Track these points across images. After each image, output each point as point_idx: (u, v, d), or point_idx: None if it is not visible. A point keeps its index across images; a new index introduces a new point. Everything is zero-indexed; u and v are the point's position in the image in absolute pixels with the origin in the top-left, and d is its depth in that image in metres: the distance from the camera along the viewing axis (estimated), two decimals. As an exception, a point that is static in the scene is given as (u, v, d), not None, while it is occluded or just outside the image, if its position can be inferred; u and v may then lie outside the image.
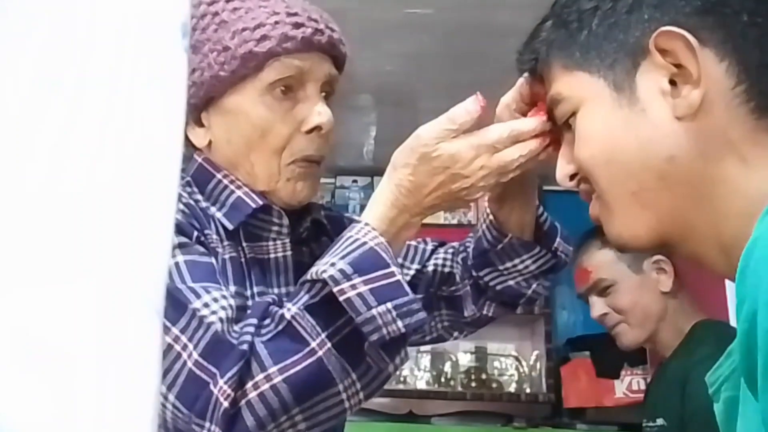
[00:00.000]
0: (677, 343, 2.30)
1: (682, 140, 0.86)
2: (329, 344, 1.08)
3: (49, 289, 0.44)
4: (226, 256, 1.25)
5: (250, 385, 1.05)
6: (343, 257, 1.10)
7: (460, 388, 4.07)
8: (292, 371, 1.06)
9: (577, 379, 3.83)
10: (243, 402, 1.05)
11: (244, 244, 1.29)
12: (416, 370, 4.14)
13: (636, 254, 2.35)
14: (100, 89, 0.48)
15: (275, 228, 1.30)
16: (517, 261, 1.36)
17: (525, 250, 1.36)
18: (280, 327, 1.09)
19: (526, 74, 1.11)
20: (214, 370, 1.06)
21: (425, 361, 4.15)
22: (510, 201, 1.32)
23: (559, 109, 0.99)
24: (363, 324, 1.07)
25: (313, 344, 1.07)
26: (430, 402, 3.90)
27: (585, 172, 0.97)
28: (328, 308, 1.09)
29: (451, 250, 1.51)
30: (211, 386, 1.05)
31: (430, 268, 1.50)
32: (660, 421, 2.25)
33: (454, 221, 4.37)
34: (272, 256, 1.31)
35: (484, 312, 1.46)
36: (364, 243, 1.11)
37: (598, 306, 2.48)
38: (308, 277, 1.12)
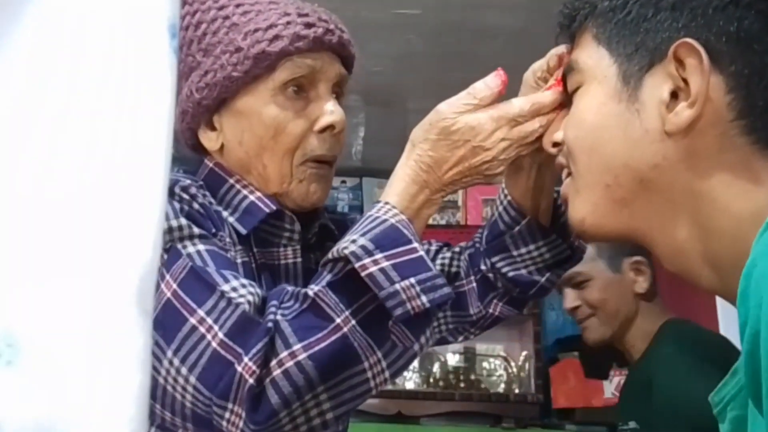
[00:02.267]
0: (645, 345, 2.32)
1: (669, 152, 0.86)
2: (354, 321, 1.06)
3: (38, 289, 0.44)
4: (239, 261, 1.24)
5: (274, 362, 1.04)
6: (363, 234, 1.09)
7: (449, 389, 4.07)
8: (317, 348, 1.04)
9: (565, 379, 3.84)
10: (267, 380, 1.03)
11: (255, 250, 1.28)
12: (405, 371, 4.14)
13: (616, 253, 2.38)
14: (89, 90, 0.47)
15: (287, 234, 1.30)
16: (532, 247, 1.35)
17: (542, 236, 1.34)
18: (305, 305, 1.07)
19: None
20: (239, 350, 1.04)
21: (414, 361, 4.15)
22: (526, 182, 1.31)
23: (570, 78, 0.99)
24: (386, 299, 1.05)
25: (338, 320, 1.06)
26: (418, 402, 3.90)
27: (567, 149, 0.97)
28: (351, 285, 1.08)
29: (457, 249, 1.50)
30: (236, 365, 1.03)
31: (437, 268, 1.48)
32: (632, 424, 2.27)
33: (443, 222, 4.37)
34: (283, 262, 1.31)
35: (490, 310, 1.45)
36: (385, 220, 1.11)
37: (570, 298, 2.50)
38: (329, 256, 1.11)
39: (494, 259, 1.39)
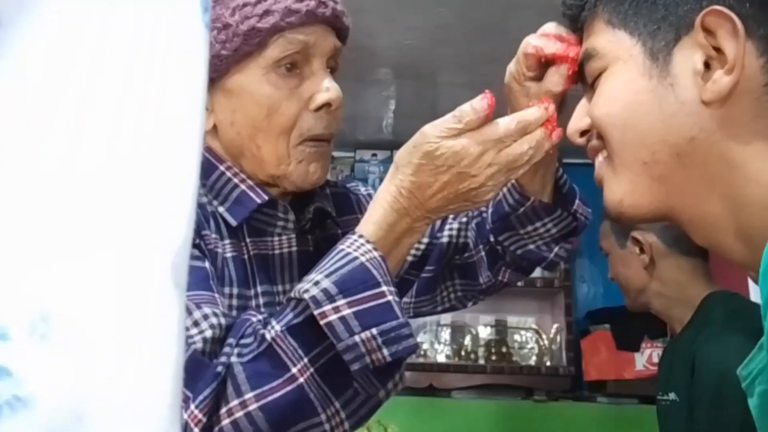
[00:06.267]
0: (688, 316, 2.30)
1: (705, 123, 0.85)
2: (312, 369, 1.01)
3: (69, 263, 0.44)
4: (228, 255, 1.20)
5: (224, 411, 0.99)
6: (329, 274, 1.03)
7: (480, 362, 4.08)
8: (269, 398, 0.99)
9: (597, 352, 3.83)
10: (215, 430, 0.99)
11: (248, 240, 1.24)
12: (436, 344, 4.15)
13: (622, 228, 2.38)
14: (119, 64, 0.48)
15: (280, 223, 1.26)
16: (538, 224, 1.33)
17: (546, 213, 1.32)
18: (261, 348, 1.02)
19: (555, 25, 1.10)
20: (187, 393, 0.99)
21: (445, 334, 4.16)
22: (533, 175, 1.27)
23: (589, 65, 0.97)
24: (344, 352, 1.00)
25: (294, 370, 1.00)
26: (450, 375, 3.91)
27: (599, 130, 0.96)
28: (311, 330, 1.02)
29: (464, 219, 1.47)
30: (182, 411, 0.97)
31: (444, 239, 1.46)
32: (672, 396, 2.26)
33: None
34: (277, 251, 1.27)
35: (499, 278, 1.44)
36: (354, 258, 1.04)
37: (610, 270, 2.56)
38: (293, 294, 1.05)
39: (501, 238, 1.38)
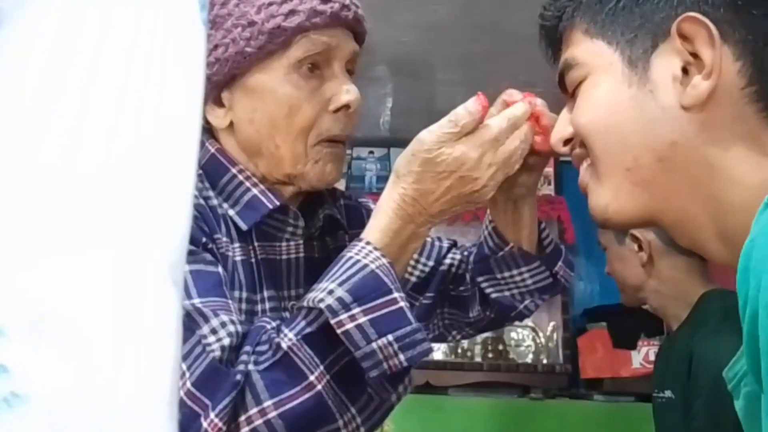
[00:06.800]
0: (685, 314, 2.30)
1: (686, 128, 0.86)
2: (328, 376, 1.03)
3: (67, 261, 0.44)
4: (237, 259, 1.20)
5: (243, 419, 1.00)
6: (341, 283, 1.05)
7: (477, 360, 4.08)
8: (288, 406, 1.01)
9: (593, 350, 3.84)
10: None
11: (256, 244, 1.24)
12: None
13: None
14: (117, 61, 0.48)
15: (290, 229, 1.26)
16: (515, 272, 1.36)
17: (524, 262, 1.35)
18: (277, 357, 1.03)
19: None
20: (206, 401, 1.00)
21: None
22: (504, 216, 1.32)
23: (570, 75, 0.98)
24: (363, 359, 1.02)
25: (312, 378, 1.02)
26: (446, 373, 3.92)
27: (581, 137, 0.97)
28: (326, 338, 1.04)
29: (466, 252, 1.49)
30: (202, 419, 0.99)
31: (445, 267, 1.48)
32: (668, 393, 2.26)
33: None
34: (285, 257, 1.27)
35: (488, 313, 1.45)
36: (365, 266, 1.06)
37: (607, 265, 2.57)
38: (306, 303, 1.06)
39: (479, 279, 1.40)
